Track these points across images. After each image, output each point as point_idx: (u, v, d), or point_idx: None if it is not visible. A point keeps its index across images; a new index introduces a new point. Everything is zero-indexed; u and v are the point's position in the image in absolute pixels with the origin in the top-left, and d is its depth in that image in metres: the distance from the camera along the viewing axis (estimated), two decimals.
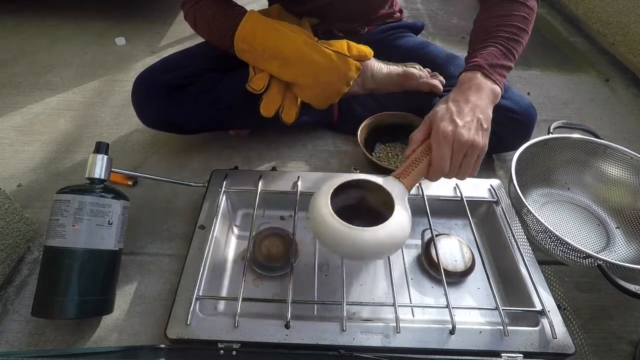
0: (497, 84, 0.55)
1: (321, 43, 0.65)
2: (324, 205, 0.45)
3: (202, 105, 0.71)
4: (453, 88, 0.56)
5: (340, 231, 0.43)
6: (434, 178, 0.51)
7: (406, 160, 0.51)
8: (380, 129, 0.69)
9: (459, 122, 0.49)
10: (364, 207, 0.51)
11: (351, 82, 0.68)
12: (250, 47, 0.63)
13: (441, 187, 0.64)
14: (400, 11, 0.90)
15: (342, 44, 0.66)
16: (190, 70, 0.69)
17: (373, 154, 0.76)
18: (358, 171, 0.67)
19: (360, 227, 0.43)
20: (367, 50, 0.68)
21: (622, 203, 0.67)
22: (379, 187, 0.48)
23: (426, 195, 0.60)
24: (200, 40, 0.75)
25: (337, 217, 0.44)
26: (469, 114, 0.50)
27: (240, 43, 0.63)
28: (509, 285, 0.56)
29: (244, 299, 0.48)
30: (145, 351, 0.44)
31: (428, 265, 0.57)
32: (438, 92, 0.76)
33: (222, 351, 0.44)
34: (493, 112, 0.54)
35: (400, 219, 0.45)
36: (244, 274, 0.51)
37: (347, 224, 0.43)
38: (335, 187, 0.47)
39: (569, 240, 0.53)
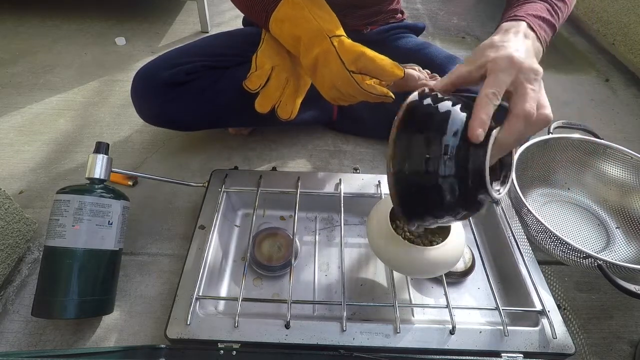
0: (540, 42, 0.45)
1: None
2: (383, 222, 0.47)
3: (202, 102, 0.70)
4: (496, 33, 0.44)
5: (399, 248, 0.45)
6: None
7: None
8: None
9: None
10: None
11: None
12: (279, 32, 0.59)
13: None
14: (402, 12, 0.90)
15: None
16: (191, 67, 0.69)
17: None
18: (358, 171, 0.67)
19: (420, 247, 0.45)
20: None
21: (622, 203, 0.67)
22: None
23: None
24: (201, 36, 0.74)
25: (397, 234, 0.45)
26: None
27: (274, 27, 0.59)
28: (509, 285, 0.56)
29: (244, 299, 0.48)
30: (145, 351, 0.44)
31: None
32: None
33: (222, 351, 0.44)
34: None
35: (458, 241, 0.47)
36: (244, 274, 0.51)
37: (406, 241, 0.45)
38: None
39: (569, 240, 0.53)
